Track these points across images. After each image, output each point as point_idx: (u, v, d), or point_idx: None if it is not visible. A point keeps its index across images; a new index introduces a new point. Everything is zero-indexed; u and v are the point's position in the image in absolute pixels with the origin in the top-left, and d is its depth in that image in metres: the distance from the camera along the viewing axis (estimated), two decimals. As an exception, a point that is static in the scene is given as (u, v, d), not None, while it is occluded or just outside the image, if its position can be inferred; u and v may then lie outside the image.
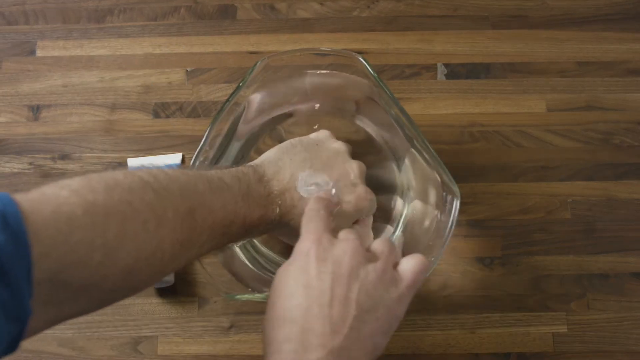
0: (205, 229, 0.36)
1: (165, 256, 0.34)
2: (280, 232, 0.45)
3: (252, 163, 0.44)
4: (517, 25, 0.66)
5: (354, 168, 0.46)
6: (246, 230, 0.40)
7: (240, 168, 0.42)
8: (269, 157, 0.45)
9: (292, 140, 0.47)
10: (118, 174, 0.33)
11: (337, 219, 0.44)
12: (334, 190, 0.44)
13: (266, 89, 0.53)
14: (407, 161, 0.52)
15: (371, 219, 0.48)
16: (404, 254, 0.40)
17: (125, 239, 0.31)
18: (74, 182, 0.31)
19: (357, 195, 0.45)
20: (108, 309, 0.56)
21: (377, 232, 0.51)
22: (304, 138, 0.48)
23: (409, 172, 0.52)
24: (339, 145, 0.47)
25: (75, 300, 0.30)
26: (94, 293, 0.31)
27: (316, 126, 0.52)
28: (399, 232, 0.52)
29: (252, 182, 0.41)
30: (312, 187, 0.44)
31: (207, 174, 0.39)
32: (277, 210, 0.42)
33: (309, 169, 0.44)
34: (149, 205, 0.32)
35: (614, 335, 0.55)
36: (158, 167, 0.37)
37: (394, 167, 0.53)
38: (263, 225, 0.42)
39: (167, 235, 0.33)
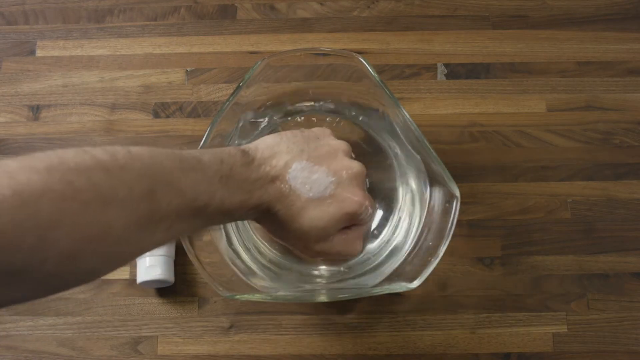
0: (170, 210, 0.34)
1: (118, 239, 0.32)
2: (265, 222, 0.43)
3: (244, 146, 0.41)
4: (517, 25, 0.66)
5: (353, 167, 0.43)
6: (225, 215, 0.38)
7: (227, 149, 0.40)
8: (265, 141, 0.43)
9: (293, 130, 0.45)
10: (68, 152, 0.31)
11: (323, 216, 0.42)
12: (331, 188, 0.41)
13: (266, 89, 0.53)
14: (405, 162, 0.52)
15: (363, 227, 0.45)
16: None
17: (61, 220, 0.29)
18: (13, 163, 0.29)
19: (352, 196, 0.42)
20: (108, 309, 0.56)
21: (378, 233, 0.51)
22: (305, 130, 0.46)
23: (409, 173, 0.52)
24: (340, 143, 0.45)
25: (10, 285, 0.29)
26: (33, 277, 0.29)
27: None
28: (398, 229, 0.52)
29: (237, 165, 0.39)
30: (307, 180, 0.41)
31: (181, 152, 0.37)
32: (265, 196, 0.40)
33: (306, 161, 0.42)
34: (95, 185, 0.30)
35: (614, 335, 0.55)
36: (124, 145, 0.35)
37: (394, 167, 0.53)
38: (245, 210, 0.39)
39: (118, 216, 0.31)
